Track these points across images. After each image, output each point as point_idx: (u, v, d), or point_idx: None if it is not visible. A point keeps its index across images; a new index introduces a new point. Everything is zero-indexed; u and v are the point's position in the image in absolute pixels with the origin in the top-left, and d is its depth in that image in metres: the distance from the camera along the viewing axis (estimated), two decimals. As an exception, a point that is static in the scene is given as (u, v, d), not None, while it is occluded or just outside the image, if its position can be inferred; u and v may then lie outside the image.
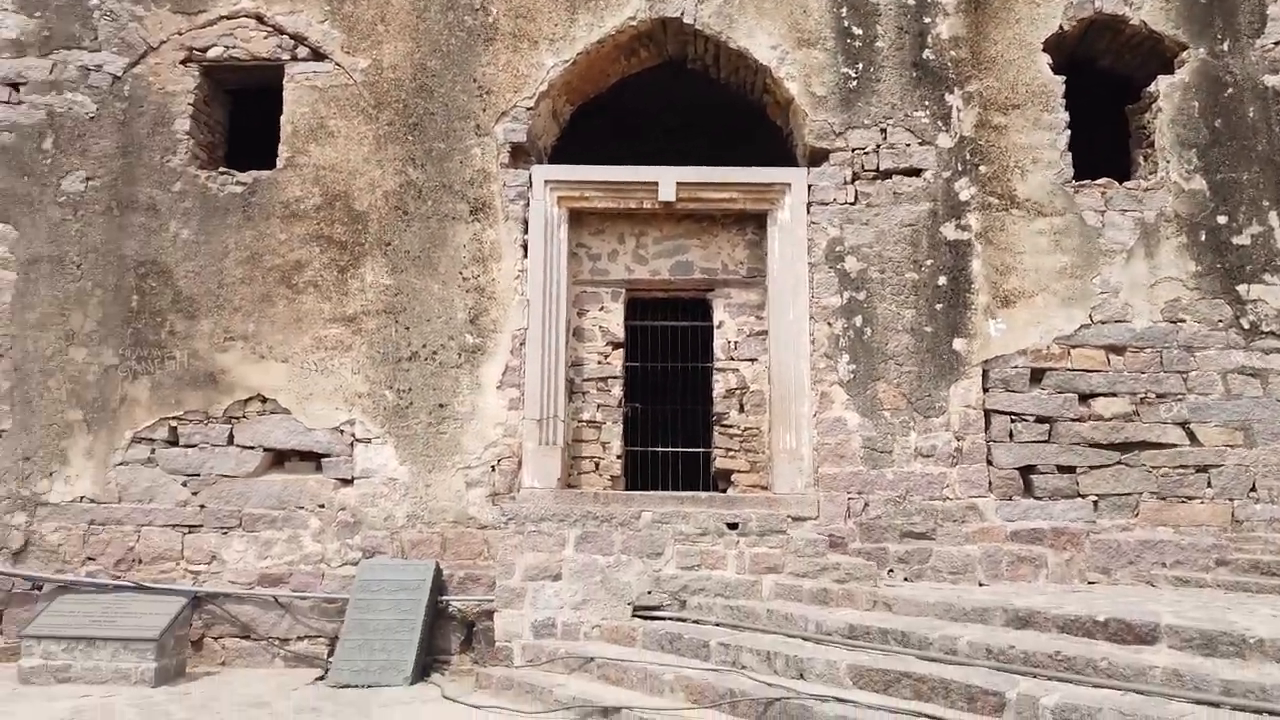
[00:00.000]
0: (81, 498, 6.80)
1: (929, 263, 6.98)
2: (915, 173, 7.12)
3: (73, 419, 6.89)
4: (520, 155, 7.33)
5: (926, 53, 7.27)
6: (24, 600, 6.62)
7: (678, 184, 7.23)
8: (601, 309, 7.40)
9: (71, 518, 6.77)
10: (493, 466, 6.90)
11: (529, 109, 7.31)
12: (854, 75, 7.26)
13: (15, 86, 7.28)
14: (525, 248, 7.17)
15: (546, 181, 7.26)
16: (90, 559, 6.71)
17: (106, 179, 7.19)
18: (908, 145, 7.16)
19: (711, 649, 5.22)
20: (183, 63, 7.33)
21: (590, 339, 7.37)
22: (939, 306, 6.91)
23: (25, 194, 7.14)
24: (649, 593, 6.06)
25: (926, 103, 7.21)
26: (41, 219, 7.12)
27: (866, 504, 6.62)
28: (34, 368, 6.94)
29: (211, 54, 7.34)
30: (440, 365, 7.04)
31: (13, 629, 6.52)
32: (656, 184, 7.24)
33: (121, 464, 6.85)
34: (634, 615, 5.99)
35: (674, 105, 9.78)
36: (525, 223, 7.20)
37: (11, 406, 6.88)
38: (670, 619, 5.87)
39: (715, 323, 7.38)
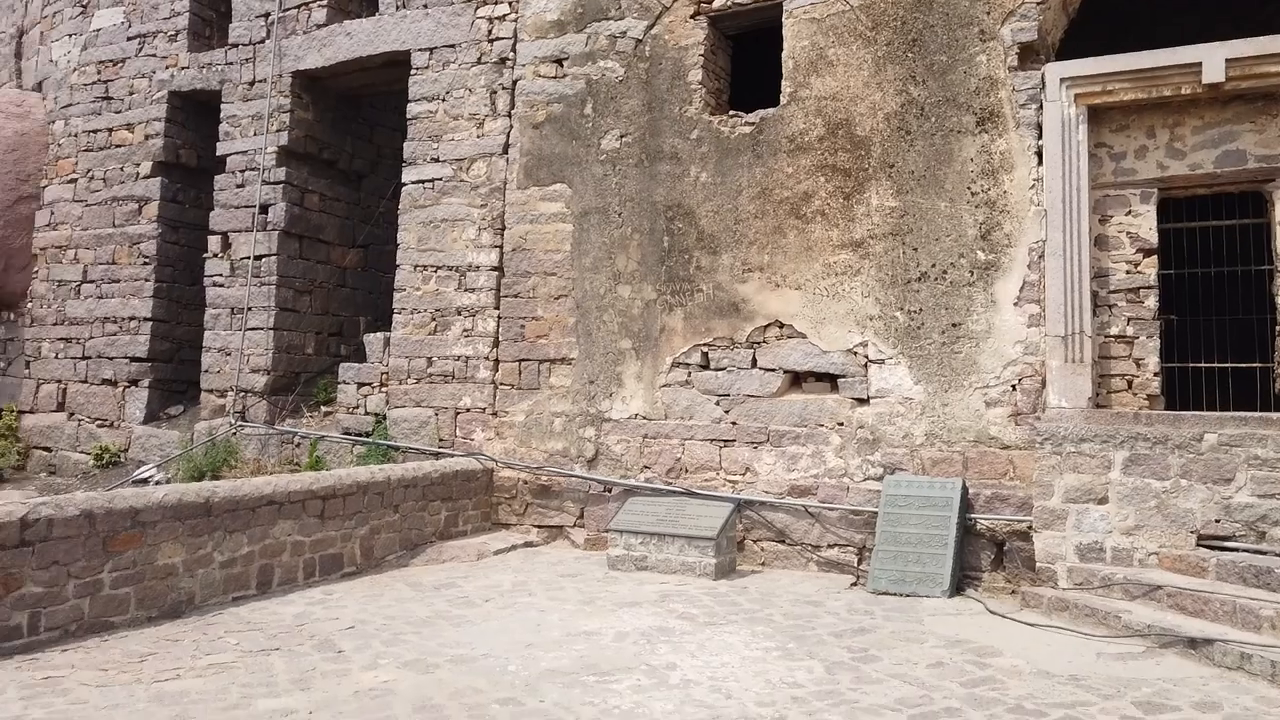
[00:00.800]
0: (635, 415, 7.88)
1: None
2: None
3: (624, 347, 7.97)
4: (1029, 56, 6.87)
5: None
6: (598, 500, 7.89)
7: (1227, 61, 6.28)
8: (1128, 213, 6.74)
9: (629, 431, 7.88)
10: (1013, 386, 6.70)
11: (1038, 3, 6.81)
12: None
13: (559, 62, 8.44)
14: (1039, 154, 6.75)
15: (1062, 79, 6.72)
16: (646, 467, 7.77)
17: (636, 134, 8.08)
18: None
19: (1318, 587, 4.62)
20: (692, 16, 7.93)
21: (1115, 247, 6.76)
22: None
23: (574, 156, 8.31)
24: (1216, 521, 5.51)
25: None
26: (588, 176, 8.23)
27: None
28: (591, 305, 8.12)
29: (716, 3, 7.84)
30: (951, 284, 6.95)
31: (592, 523, 7.83)
32: (1199, 64, 6.34)
33: (665, 385, 7.79)
34: (1199, 544, 5.49)
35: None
36: (1038, 127, 6.77)
37: (577, 338, 8.15)
38: (1247, 550, 5.29)
39: (1277, 219, 6.36)
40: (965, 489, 6.61)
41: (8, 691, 3.95)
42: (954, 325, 6.91)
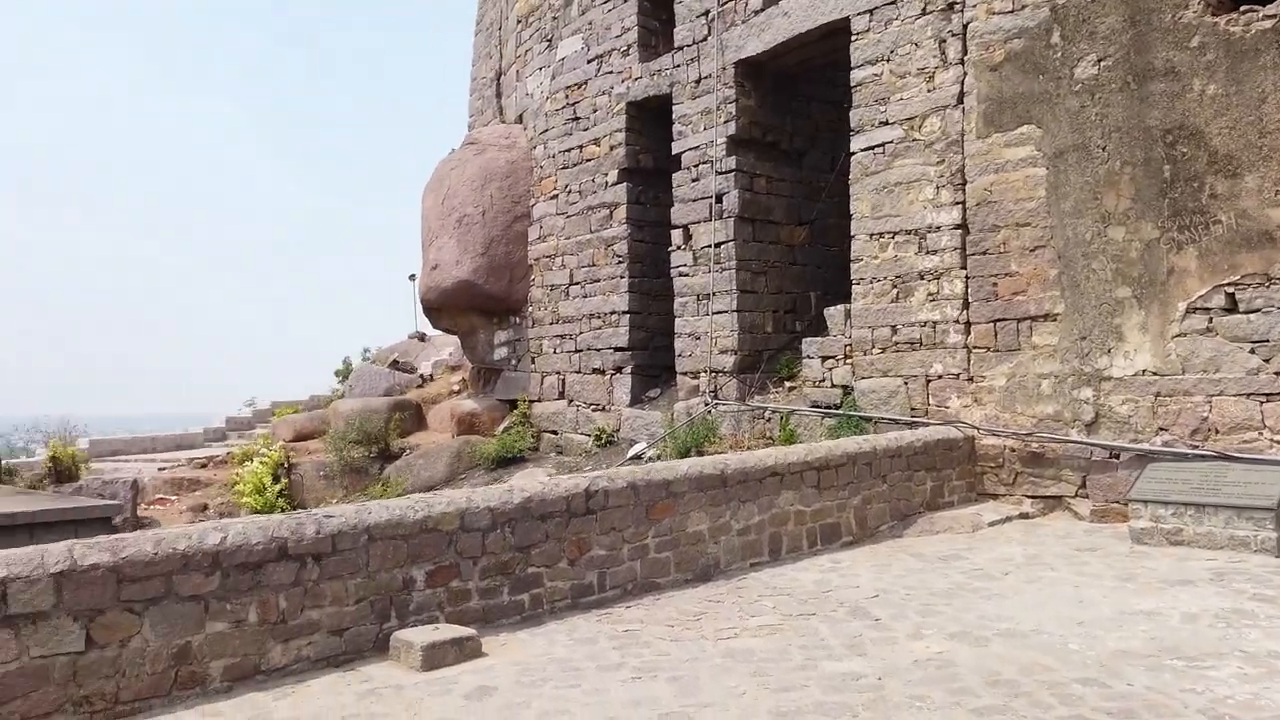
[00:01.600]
0: (1142, 370, 6.99)
1: None
2: None
3: (1121, 296, 7.12)
4: None
5: None
6: (1103, 467, 7.15)
7: None
8: None
9: (1135, 390, 7.02)
10: None
11: None
12: None
13: (1018, -6, 7.75)
14: None
15: None
16: (1162, 429, 6.87)
17: (1117, 55, 7.16)
18: None
19: None
20: (1183, -94, 6.82)
21: None
22: None
23: (1041, 92, 7.58)
24: None
25: None
26: (1060, 111, 7.47)
27: None
28: (1075, 253, 7.36)
29: (1217, -118, 6.66)
30: None
31: (1098, 493, 7.11)
32: None
33: (1178, 335, 6.82)
34: None
35: None
36: None
37: (1061, 291, 7.44)
38: None
39: None
40: None
41: (600, 641, 4.48)
42: None
